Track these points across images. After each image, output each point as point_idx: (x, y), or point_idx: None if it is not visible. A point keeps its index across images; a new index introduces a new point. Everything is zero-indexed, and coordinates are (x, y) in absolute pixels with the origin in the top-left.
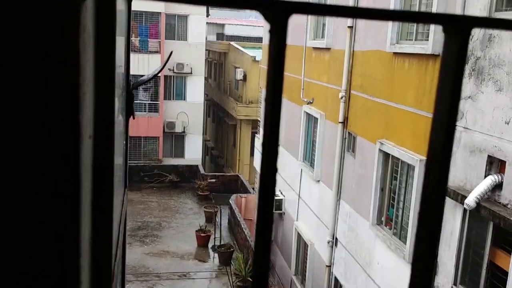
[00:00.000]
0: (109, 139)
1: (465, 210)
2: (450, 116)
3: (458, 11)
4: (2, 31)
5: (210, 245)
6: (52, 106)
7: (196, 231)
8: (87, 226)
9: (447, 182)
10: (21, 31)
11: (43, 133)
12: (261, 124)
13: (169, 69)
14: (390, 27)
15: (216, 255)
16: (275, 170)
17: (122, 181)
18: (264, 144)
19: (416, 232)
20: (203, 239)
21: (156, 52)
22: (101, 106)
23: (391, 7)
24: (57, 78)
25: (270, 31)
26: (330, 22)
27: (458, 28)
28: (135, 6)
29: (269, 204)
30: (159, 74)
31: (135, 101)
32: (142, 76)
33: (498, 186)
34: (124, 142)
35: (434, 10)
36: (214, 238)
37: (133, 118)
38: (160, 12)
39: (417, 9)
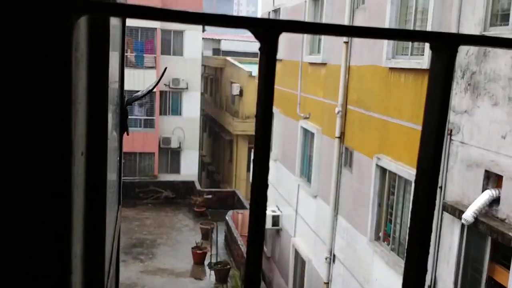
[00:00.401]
0: (102, 156)
1: (463, 225)
2: (438, 131)
3: (453, 26)
4: None
5: (206, 262)
6: (44, 124)
7: (192, 248)
8: (79, 243)
9: (436, 193)
10: (13, 50)
11: (34, 150)
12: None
13: (165, 84)
14: (385, 42)
15: (213, 272)
16: (266, 185)
17: (116, 198)
18: (255, 160)
19: (407, 244)
20: (199, 256)
21: (152, 67)
22: (94, 123)
23: (386, 21)
24: (49, 96)
25: (260, 49)
26: (326, 37)
27: (445, 46)
28: (130, 22)
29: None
30: (155, 90)
31: (130, 117)
32: (138, 91)
33: (495, 201)
34: (118, 158)
35: (429, 24)
36: (211, 255)
37: (127, 134)
38: (156, 28)
39: (412, 24)
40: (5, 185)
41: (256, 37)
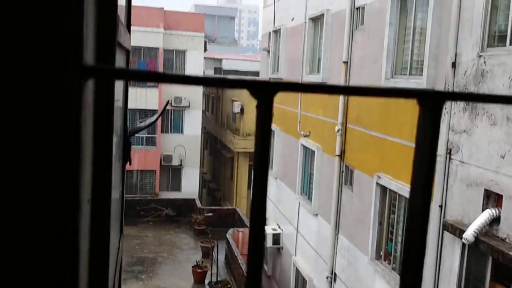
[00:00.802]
0: (106, 199)
1: (463, 244)
2: (427, 183)
3: (450, 47)
4: (8, 107)
5: (206, 281)
6: (52, 178)
7: (192, 266)
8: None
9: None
10: (25, 110)
11: (43, 200)
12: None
13: (169, 104)
14: (384, 61)
15: None
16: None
17: (118, 228)
18: (251, 222)
19: (402, 261)
20: (199, 275)
21: (154, 86)
22: (99, 170)
23: (385, 42)
24: (58, 154)
25: (257, 107)
26: (326, 56)
27: (431, 102)
28: (133, 42)
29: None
30: (157, 108)
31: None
32: (141, 110)
33: (496, 220)
34: (121, 188)
35: (427, 45)
36: (211, 274)
37: (130, 164)
38: (158, 48)
39: (410, 45)
40: (10, 238)
41: (254, 96)
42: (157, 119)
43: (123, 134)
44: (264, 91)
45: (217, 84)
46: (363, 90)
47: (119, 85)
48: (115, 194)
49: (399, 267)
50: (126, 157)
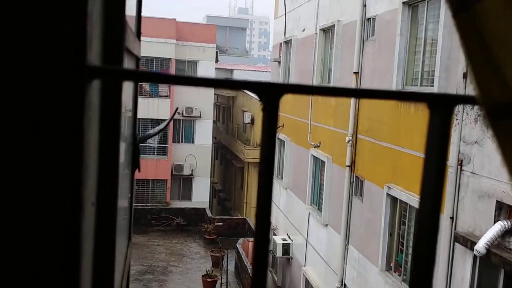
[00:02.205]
0: (112, 203)
1: (475, 256)
2: (436, 189)
3: (462, 58)
4: (9, 110)
5: None
6: (55, 181)
7: (202, 276)
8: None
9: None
10: (26, 112)
11: (44, 201)
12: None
13: (178, 113)
14: (395, 71)
15: None
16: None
17: (126, 235)
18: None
19: (410, 272)
20: (209, 285)
21: (166, 96)
22: (105, 174)
23: (396, 53)
24: (59, 154)
25: (263, 110)
26: (337, 67)
27: (441, 106)
28: (146, 52)
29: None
30: (168, 118)
31: (144, 144)
32: (153, 120)
33: (508, 232)
34: (130, 195)
35: (438, 56)
36: (221, 283)
37: (139, 171)
38: (171, 58)
39: (421, 55)
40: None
41: (260, 98)
42: (166, 125)
43: (132, 141)
44: (270, 93)
45: (222, 85)
46: (372, 93)
47: (128, 92)
48: (123, 200)
49: (409, 278)
50: (135, 164)
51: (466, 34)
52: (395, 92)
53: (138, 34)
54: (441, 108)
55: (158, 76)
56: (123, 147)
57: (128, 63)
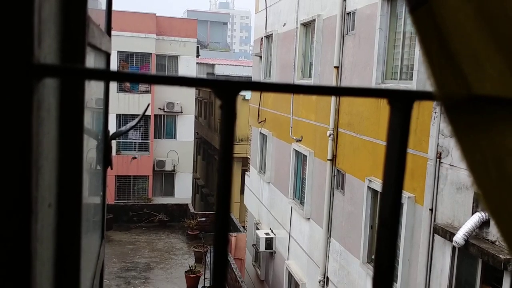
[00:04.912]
0: (75, 203)
1: (454, 247)
2: (397, 182)
3: None
4: None
5: (200, 286)
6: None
7: (185, 272)
8: None
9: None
10: None
11: None
12: (251, 161)
13: (159, 108)
14: (375, 66)
15: None
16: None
17: (98, 233)
18: (216, 221)
19: (374, 257)
20: (192, 280)
21: (147, 91)
22: (66, 173)
23: (375, 47)
24: (5, 157)
25: (221, 107)
26: (317, 61)
27: (401, 102)
28: (126, 47)
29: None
30: (149, 113)
31: (125, 140)
32: (133, 115)
33: (486, 223)
34: (102, 192)
35: (417, 51)
36: (204, 279)
37: (111, 169)
38: (151, 53)
39: (400, 49)
40: None
41: (217, 96)
42: (138, 122)
43: (104, 138)
44: (227, 90)
45: (180, 83)
46: (333, 90)
47: (98, 87)
48: (94, 198)
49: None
50: (107, 161)
51: (424, 29)
52: (356, 89)
53: (109, 29)
54: (401, 104)
55: (110, 74)
56: (93, 144)
57: (95, 59)
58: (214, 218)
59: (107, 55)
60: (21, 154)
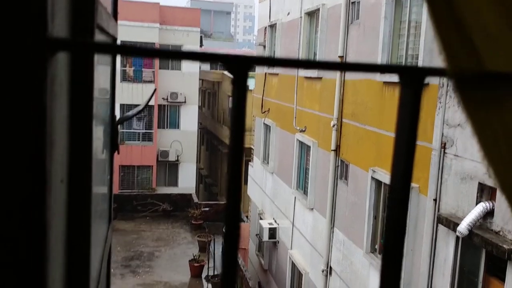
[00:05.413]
0: (86, 181)
1: (457, 237)
2: (407, 157)
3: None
4: None
5: (203, 275)
6: (16, 156)
7: (189, 261)
8: (58, 268)
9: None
10: None
11: (6, 181)
12: (254, 152)
13: (163, 98)
14: (380, 54)
15: (210, 285)
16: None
17: (106, 216)
18: (228, 191)
19: (383, 245)
20: (196, 269)
21: (150, 81)
22: (76, 150)
23: (380, 36)
24: (23, 129)
25: (232, 82)
26: (322, 50)
27: (412, 78)
28: (129, 37)
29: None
30: (153, 104)
31: (129, 130)
32: (137, 105)
33: (489, 213)
34: (109, 177)
35: (422, 39)
36: (208, 268)
37: (118, 153)
38: (154, 43)
39: (405, 38)
40: None
41: (229, 71)
42: (144, 107)
43: (110, 123)
44: (239, 65)
45: (191, 57)
46: (343, 65)
47: (105, 73)
48: (101, 182)
49: (382, 248)
50: (114, 145)
51: (435, 3)
52: (367, 65)
53: (115, 14)
54: (412, 80)
55: (123, 49)
56: (100, 128)
57: (104, 41)
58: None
59: (114, 40)
60: (36, 127)
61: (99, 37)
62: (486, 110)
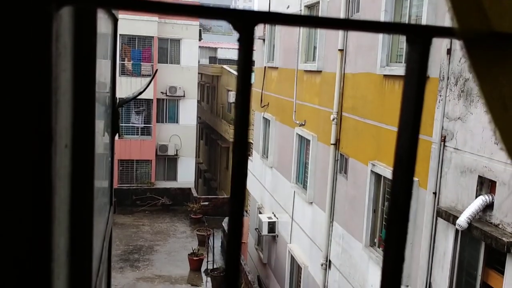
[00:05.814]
0: (88, 150)
1: (457, 230)
2: (414, 121)
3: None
4: None
5: (203, 268)
6: (22, 111)
7: (188, 254)
8: (63, 234)
9: (412, 182)
10: None
11: (12, 138)
12: (253, 142)
13: (161, 92)
14: (380, 48)
15: (209, 279)
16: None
17: (107, 198)
18: (234, 150)
19: (385, 236)
20: (195, 263)
21: (149, 75)
22: (80, 116)
23: (380, 34)
24: (28, 85)
25: (239, 40)
26: (321, 44)
27: (419, 37)
28: (128, 31)
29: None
30: (152, 98)
31: (127, 124)
32: (136, 98)
33: (489, 206)
34: (110, 159)
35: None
36: (207, 261)
37: (119, 136)
38: (153, 36)
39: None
40: None
41: (235, 27)
42: (145, 89)
43: (111, 105)
44: (245, 21)
45: (195, 13)
46: (351, 23)
47: (105, 63)
48: (103, 160)
49: (384, 240)
50: (115, 127)
51: None
52: (374, 23)
53: None
54: (419, 39)
55: (122, 2)
56: (102, 108)
57: (106, 22)
58: (233, 157)
59: (115, 21)
60: (42, 81)
61: (104, 17)
62: (494, 70)
